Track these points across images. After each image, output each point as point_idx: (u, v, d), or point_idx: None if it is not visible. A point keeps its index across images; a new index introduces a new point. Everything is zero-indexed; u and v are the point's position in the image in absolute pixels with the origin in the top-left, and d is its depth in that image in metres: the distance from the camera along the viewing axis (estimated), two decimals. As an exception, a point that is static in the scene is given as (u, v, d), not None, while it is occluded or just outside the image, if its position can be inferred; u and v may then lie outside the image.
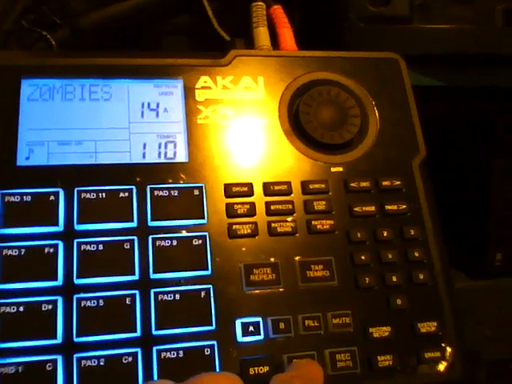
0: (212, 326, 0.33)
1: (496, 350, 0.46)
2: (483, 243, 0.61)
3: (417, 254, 0.37)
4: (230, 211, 0.36)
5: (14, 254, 0.32)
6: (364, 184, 0.38)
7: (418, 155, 0.40)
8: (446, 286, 0.37)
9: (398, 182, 0.39)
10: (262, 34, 0.46)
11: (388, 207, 0.38)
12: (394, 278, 0.36)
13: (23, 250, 0.32)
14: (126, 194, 0.35)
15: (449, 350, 0.35)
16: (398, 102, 0.42)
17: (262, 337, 0.33)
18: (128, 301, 0.33)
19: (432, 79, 0.52)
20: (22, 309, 0.31)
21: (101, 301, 0.32)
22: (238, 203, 0.36)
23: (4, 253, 0.32)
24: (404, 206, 0.38)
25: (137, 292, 0.33)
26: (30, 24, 0.41)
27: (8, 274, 0.32)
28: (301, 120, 0.39)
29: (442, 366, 0.35)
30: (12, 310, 0.31)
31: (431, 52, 0.49)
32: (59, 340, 0.31)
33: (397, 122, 0.41)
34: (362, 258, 0.36)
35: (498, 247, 0.60)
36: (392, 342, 0.35)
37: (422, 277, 0.37)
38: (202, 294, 0.34)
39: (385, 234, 0.37)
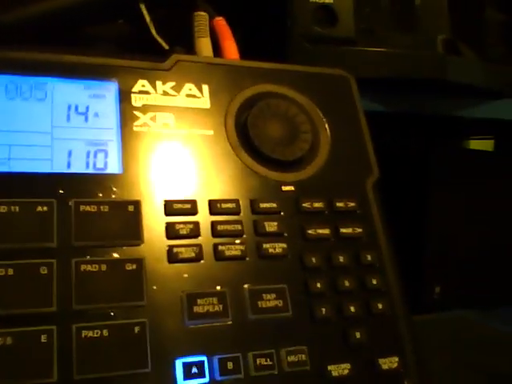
0: (147, 368, 0.27)
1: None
2: (422, 277, 0.60)
3: (374, 282, 0.34)
4: (171, 231, 0.31)
5: None
6: (317, 205, 0.35)
7: (372, 176, 0.38)
8: (404, 316, 0.34)
9: (353, 204, 0.36)
10: (205, 45, 0.42)
11: (343, 230, 0.35)
12: (352, 309, 0.33)
13: None
14: (45, 209, 0.29)
15: (411, 388, 0.32)
16: (349, 120, 0.39)
17: (207, 379, 0.28)
18: (43, 338, 0.26)
19: (372, 103, 0.50)
20: None
21: (8, 338, 0.26)
22: (179, 222, 0.31)
23: None
24: (360, 230, 0.35)
25: (54, 328, 0.27)
26: None
27: None
28: (250, 133, 0.35)
29: (405, 407, 0.31)
30: None
31: (374, 75, 0.48)
32: None
33: (349, 141, 0.38)
34: (318, 285, 0.33)
35: (437, 280, 0.60)
36: (352, 382, 0.31)
37: (380, 306, 0.34)
38: (136, 329, 0.28)
39: (341, 260, 0.34)
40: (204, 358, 0.29)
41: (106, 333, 0.27)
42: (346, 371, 0.31)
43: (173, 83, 0.35)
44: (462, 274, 0.60)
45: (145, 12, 0.43)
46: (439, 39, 0.51)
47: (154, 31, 0.43)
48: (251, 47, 0.47)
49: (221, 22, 0.44)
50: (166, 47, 0.43)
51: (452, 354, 0.50)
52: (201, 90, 0.36)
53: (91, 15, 0.43)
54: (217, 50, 0.43)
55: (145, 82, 0.34)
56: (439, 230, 0.60)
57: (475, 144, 0.86)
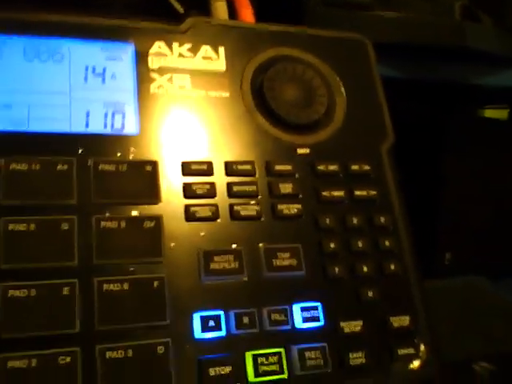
0: (166, 320, 0.28)
1: (456, 350, 0.45)
2: (433, 243, 0.60)
3: (387, 243, 0.35)
4: (188, 191, 0.32)
5: None
6: (332, 167, 0.35)
7: (387, 140, 0.38)
8: (416, 278, 0.35)
9: (368, 167, 0.36)
10: (221, 8, 0.42)
11: (357, 192, 0.35)
12: (365, 269, 0.33)
13: None
14: (65, 167, 0.30)
15: (422, 346, 0.33)
16: (366, 85, 0.39)
17: (223, 332, 0.29)
18: (66, 291, 0.27)
19: (387, 69, 0.50)
20: None
21: (32, 290, 0.27)
22: (196, 183, 0.32)
23: None
24: (374, 192, 0.36)
25: (76, 281, 0.28)
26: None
27: None
28: (266, 96, 0.36)
29: (416, 364, 0.32)
30: None
31: (390, 40, 0.48)
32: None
33: (365, 105, 0.38)
34: (331, 246, 0.33)
35: (448, 247, 0.60)
36: (364, 338, 0.32)
37: (392, 267, 0.34)
38: (155, 283, 0.29)
39: (354, 222, 0.34)
40: (221, 313, 0.29)
41: (126, 286, 0.28)
42: (358, 328, 0.32)
43: (189, 45, 0.35)
44: (473, 241, 0.60)
45: (160, -25, 0.43)
46: (457, 5, 0.50)
47: (169, -6, 0.42)
48: (266, 10, 0.47)
49: (236, -14, 0.44)
50: (181, 11, 0.43)
51: (460, 319, 0.50)
52: (217, 52, 0.36)
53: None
54: (232, 13, 0.43)
55: (161, 43, 0.35)
56: (452, 196, 0.60)
57: (490, 113, 0.85)
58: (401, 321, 0.33)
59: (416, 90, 0.58)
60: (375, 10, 0.48)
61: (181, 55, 0.35)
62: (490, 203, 0.61)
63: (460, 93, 0.61)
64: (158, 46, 0.34)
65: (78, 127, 0.31)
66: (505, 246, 0.62)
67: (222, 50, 0.36)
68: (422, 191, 0.62)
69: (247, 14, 0.43)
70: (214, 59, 0.36)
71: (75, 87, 0.32)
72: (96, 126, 0.32)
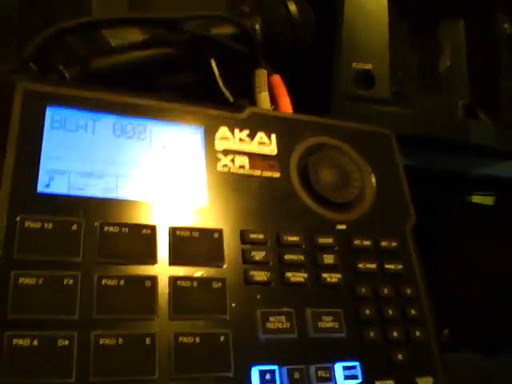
0: (230, 372, 0.32)
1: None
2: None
3: (413, 312, 0.40)
4: (247, 257, 0.36)
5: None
6: (366, 242, 0.41)
7: (410, 220, 0.44)
8: (437, 344, 0.39)
9: (395, 244, 0.42)
10: (264, 98, 0.49)
11: (387, 266, 0.41)
12: (395, 334, 0.38)
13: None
14: (149, 231, 0.34)
15: (444, 406, 0.37)
16: (390, 171, 0.46)
17: (278, 385, 0.33)
18: (148, 341, 0.31)
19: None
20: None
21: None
22: (254, 250, 0.37)
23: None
24: (400, 266, 0.41)
25: (155, 333, 0.32)
26: (49, 53, 0.40)
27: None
28: (310, 178, 0.41)
29: (439, 421, 0.36)
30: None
31: (404, 132, 0.55)
32: None
33: (391, 189, 0.45)
34: (367, 312, 0.38)
35: (445, 323, 0.65)
36: (396, 396, 0.36)
37: (418, 333, 0.39)
38: (221, 338, 0.33)
39: (385, 291, 0.39)
40: (276, 367, 0.33)
41: (197, 340, 0.32)
42: (391, 387, 0.36)
43: (247, 131, 0.41)
44: (469, 319, 0.66)
45: (214, 66, 0.49)
46: (460, 104, 0.58)
47: (221, 84, 0.49)
48: (301, 102, 0.54)
49: (278, 79, 0.51)
50: (231, 99, 0.49)
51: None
52: (269, 138, 0.42)
53: (168, 66, 0.49)
54: (273, 102, 0.50)
55: (225, 129, 0.41)
56: (452, 274, 0.65)
57: (477, 199, 0.93)
58: (426, 381, 0.37)
59: (419, 178, 0.65)
60: (393, 106, 0.55)
61: (241, 140, 0.41)
62: (485, 283, 0.67)
63: (453, 181, 0.68)
64: (223, 131, 0.40)
65: (157, 197, 0.36)
66: (499, 324, 0.67)
67: (273, 136, 0.42)
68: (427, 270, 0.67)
69: (286, 103, 0.50)
70: (267, 144, 0.42)
71: (155, 163, 0.38)
72: (170, 197, 0.37)
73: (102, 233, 0.33)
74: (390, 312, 0.39)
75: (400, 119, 0.55)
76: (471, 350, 0.67)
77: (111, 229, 0.33)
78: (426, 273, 0.66)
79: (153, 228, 0.34)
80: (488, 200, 0.93)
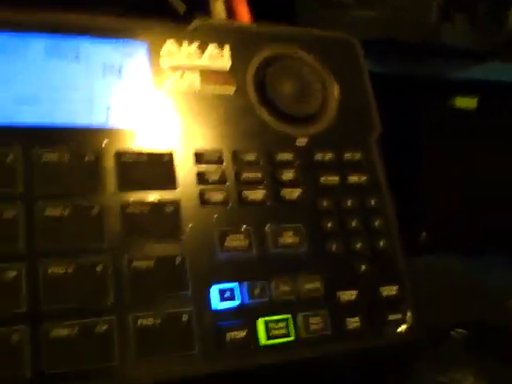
0: (188, 290, 0.32)
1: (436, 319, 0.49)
2: (410, 223, 0.65)
3: (377, 223, 0.39)
4: (201, 178, 0.35)
5: None
6: (328, 156, 0.39)
7: (375, 131, 0.42)
8: (402, 253, 0.39)
9: (359, 155, 0.40)
10: (219, 7, 0.46)
11: (351, 178, 0.39)
12: (358, 245, 0.38)
13: None
14: (92, 158, 0.33)
15: (409, 313, 0.37)
16: (355, 80, 0.43)
17: (238, 302, 0.33)
18: (99, 268, 0.31)
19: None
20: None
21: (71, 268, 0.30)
22: (209, 171, 0.36)
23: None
24: (364, 178, 0.40)
25: (104, 258, 0.31)
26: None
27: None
28: (268, 92, 0.39)
29: (403, 328, 0.37)
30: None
31: (368, 37, 0.52)
32: None
33: (355, 99, 0.43)
34: (329, 225, 0.37)
35: (423, 227, 0.65)
36: (358, 305, 0.36)
37: (382, 244, 0.39)
38: (177, 260, 0.33)
39: (348, 204, 0.39)
40: (236, 285, 0.33)
41: (151, 264, 0.32)
42: (353, 296, 0.36)
43: (196, 44, 0.39)
44: (447, 223, 0.66)
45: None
46: (433, 5, 0.54)
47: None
48: (258, 8, 0.50)
49: (234, -14, 0.47)
50: (182, 10, 0.46)
51: (438, 294, 0.55)
52: (222, 51, 0.39)
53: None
54: (229, 11, 0.47)
55: (172, 43, 0.38)
56: (428, 180, 0.65)
57: (460, 101, 0.91)
58: (390, 290, 0.37)
59: (393, 84, 0.63)
60: (357, 8, 0.52)
61: (190, 54, 0.38)
62: (463, 186, 0.67)
63: (432, 85, 0.66)
64: (170, 46, 0.38)
65: (99, 121, 0.35)
66: (476, 227, 0.67)
67: (226, 49, 0.39)
68: (400, 175, 0.66)
69: (244, 12, 0.47)
70: (219, 58, 0.39)
71: (95, 84, 0.35)
72: (116, 120, 0.35)
73: (40, 163, 0.31)
74: (354, 224, 0.38)
75: (366, 24, 0.52)
76: (452, 253, 0.68)
77: (51, 156, 0.32)
78: (403, 178, 0.66)
79: (97, 154, 0.33)
80: (472, 103, 0.91)
